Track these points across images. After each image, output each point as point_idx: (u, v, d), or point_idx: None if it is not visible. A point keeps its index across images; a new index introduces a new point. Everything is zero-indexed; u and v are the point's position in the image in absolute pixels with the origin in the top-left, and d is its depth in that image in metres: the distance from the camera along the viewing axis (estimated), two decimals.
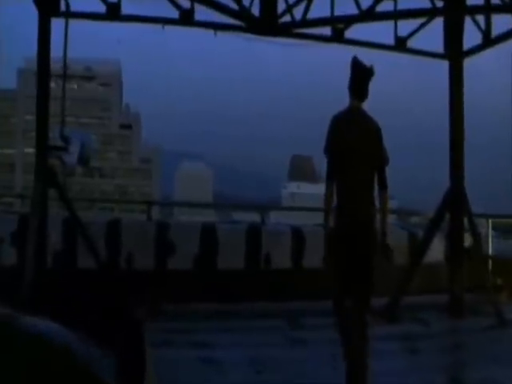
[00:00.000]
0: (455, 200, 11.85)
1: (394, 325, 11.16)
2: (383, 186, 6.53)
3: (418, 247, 12.37)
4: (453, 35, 11.74)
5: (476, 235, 12.24)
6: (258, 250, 12.86)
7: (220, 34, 10.80)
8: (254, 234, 12.95)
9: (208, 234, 12.75)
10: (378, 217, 6.57)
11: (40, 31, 10.96)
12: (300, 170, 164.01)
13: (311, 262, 12.99)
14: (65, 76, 12.14)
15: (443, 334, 11.04)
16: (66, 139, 11.23)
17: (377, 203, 6.53)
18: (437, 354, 9.42)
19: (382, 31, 11.96)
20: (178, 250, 12.57)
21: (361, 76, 6.47)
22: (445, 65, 11.88)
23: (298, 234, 13.30)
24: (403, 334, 10.40)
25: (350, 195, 6.37)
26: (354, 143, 6.38)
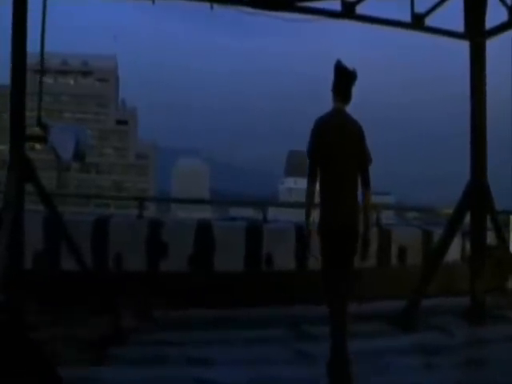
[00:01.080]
0: (477, 194, 10.67)
1: (410, 333, 10.01)
2: (366, 185, 6.65)
3: (437, 246, 11.16)
4: (474, 12, 10.52)
5: (500, 233, 11.04)
6: (259, 250, 11.67)
7: (217, 7, 9.50)
8: (254, 232, 11.75)
9: (204, 232, 11.54)
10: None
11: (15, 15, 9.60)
12: (297, 165, 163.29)
13: (317, 263, 11.80)
14: (42, 62, 10.76)
15: (465, 344, 9.83)
16: (44, 127, 9.93)
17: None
18: (459, 369, 8.40)
19: (397, 7, 10.66)
20: (171, 250, 11.37)
21: (344, 79, 6.61)
22: (465, 46, 10.69)
23: (302, 232, 12.06)
24: (421, 344, 9.30)
25: (333, 195, 6.52)
26: (337, 145, 6.51)
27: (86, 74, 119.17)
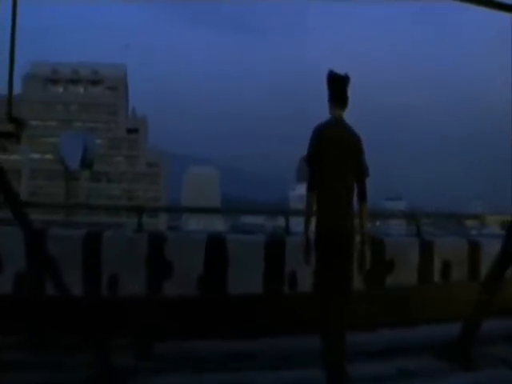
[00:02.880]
0: None
1: (470, 371, 8.07)
2: (363, 197, 6.65)
3: (498, 259, 9.16)
4: None
5: None
6: (281, 269, 9.65)
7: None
8: (275, 246, 9.73)
9: (215, 247, 9.58)
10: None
11: None
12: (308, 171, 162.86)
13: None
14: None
15: None
16: (18, 123, 8.01)
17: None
18: None
19: None
20: (176, 270, 9.43)
21: (339, 85, 6.60)
22: None
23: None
24: None
25: (330, 206, 6.47)
26: (335, 156, 6.46)
27: (95, 82, 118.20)
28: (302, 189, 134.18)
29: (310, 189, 6.63)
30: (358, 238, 6.76)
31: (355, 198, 6.69)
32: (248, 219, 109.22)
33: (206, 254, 9.50)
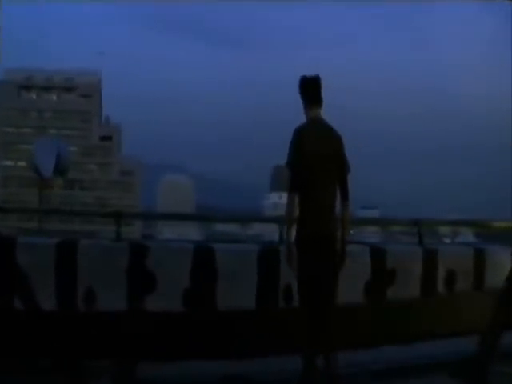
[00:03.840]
0: None
1: None
2: (345, 196, 6.64)
3: None
4: None
5: None
6: (276, 281, 8.63)
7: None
8: (269, 257, 8.70)
9: (203, 259, 8.57)
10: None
11: None
12: (282, 180, 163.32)
13: (349, 296, 8.97)
14: None
15: None
16: None
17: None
18: None
19: None
20: (160, 284, 8.37)
21: (313, 86, 6.68)
22: None
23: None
24: None
25: (313, 208, 6.47)
26: (317, 157, 6.44)
27: (69, 89, 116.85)
28: (275, 197, 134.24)
29: (291, 191, 6.55)
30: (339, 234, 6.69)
31: (338, 197, 6.68)
32: (222, 227, 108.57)
33: (192, 264, 8.49)
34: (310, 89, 6.73)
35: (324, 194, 6.52)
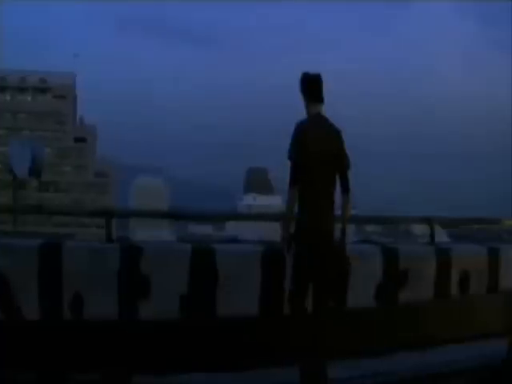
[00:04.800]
0: None
1: None
2: (347, 190, 6.61)
3: None
4: None
5: None
6: (280, 285, 7.73)
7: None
8: (273, 259, 7.82)
9: (202, 261, 7.71)
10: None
11: None
12: (255, 181, 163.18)
13: (359, 299, 8.20)
14: None
15: None
16: None
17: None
18: None
19: None
20: (155, 289, 7.49)
21: (315, 83, 6.66)
22: None
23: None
24: None
25: (312, 204, 6.40)
26: (319, 153, 6.39)
27: (43, 90, 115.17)
28: (249, 199, 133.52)
29: (292, 184, 6.46)
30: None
31: (338, 190, 6.64)
32: (195, 229, 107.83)
33: (190, 268, 7.63)
34: (313, 86, 6.70)
35: (324, 188, 6.47)
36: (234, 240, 9.40)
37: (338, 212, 6.73)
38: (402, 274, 8.61)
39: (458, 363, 8.02)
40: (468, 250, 9.70)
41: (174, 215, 9.09)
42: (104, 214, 8.13)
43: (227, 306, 7.63)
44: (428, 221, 9.53)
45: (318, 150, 6.44)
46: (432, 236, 9.37)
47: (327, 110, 6.82)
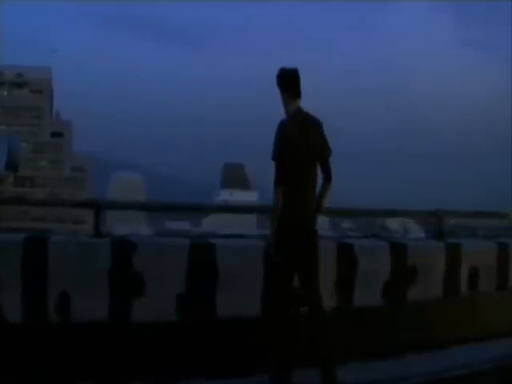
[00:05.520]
0: None
1: None
2: (329, 177, 6.58)
3: None
4: None
5: None
6: None
7: None
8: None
9: (201, 258, 7.04)
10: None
11: None
12: (232, 177, 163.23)
13: (367, 298, 7.57)
14: None
15: None
16: None
17: None
18: None
19: None
20: (149, 289, 6.81)
21: (294, 78, 6.61)
22: None
23: (346, 254, 7.74)
24: None
25: (297, 199, 6.37)
26: (303, 147, 6.37)
27: (20, 85, 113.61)
28: (226, 194, 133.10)
29: (278, 184, 6.35)
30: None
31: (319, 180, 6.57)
32: (172, 225, 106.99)
33: (188, 265, 6.96)
34: (292, 81, 6.63)
35: (308, 184, 6.45)
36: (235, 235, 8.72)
37: None
38: (410, 270, 8.02)
39: (476, 364, 7.46)
40: (477, 246, 9.13)
41: (167, 207, 8.38)
42: (92, 206, 7.41)
43: (227, 305, 6.99)
44: (435, 213, 8.93)
45: (302, 147, 6.39)
46: (440, 231, 8.77)
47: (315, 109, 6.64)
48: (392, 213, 9.75)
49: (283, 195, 6.33)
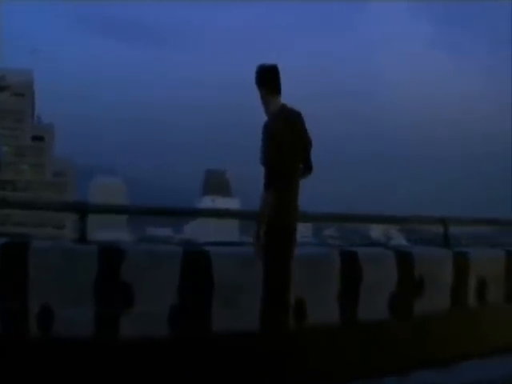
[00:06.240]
0: None
1: None
2: (310, 168, 6.45)
3: None
4: None
5: None
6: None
7: None
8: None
9: (196, 267, 6.46)
10: None
11: None
12: (214, 183, 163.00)
13: (372, 311, 7.04)
14: None
15: None
16: None
17: None
18: None
19: None
20: (139, 301, 6.21)
21: (275, 73, 6.36)
22: None
23: (350, 262, 7.19)
24: None
25: (289, 201, 6.17)
26: (290, 146, 6.18)
27: (1, 88, 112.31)
28: (207, 201, 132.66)
29: (268, 188, 6.02)
30: None
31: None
32: (154, 231, 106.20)
33: (181, 275, 6.38)
34: (272, 77, 6.35)
35: (296, 183, 6.26)
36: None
37: None
38: (417, 280, 7.49)
39: (485, 381, 6.95)
40: (485, 254, 8.62)
41: (156, 212, 7.78)
42: (78, 210, 6.79)
43: (224, 318, 6.42)
44: (442, 221, 8.41)
45: (290, 147, 6.18)
46: (446, 238, 8.25)
47: None
48: (398, 220, 9.19)
49: (275, 198, 5.98)
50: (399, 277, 7.38)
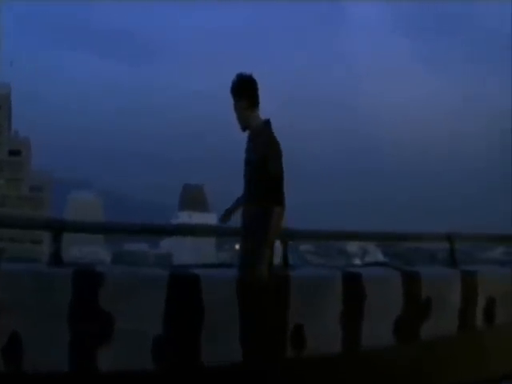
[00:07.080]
0: None
1: None
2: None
3: None
4: None
5: None
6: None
7: None
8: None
9: (183, 292, 5.74)
10: None
11: None
12: (191, 199, 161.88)
13: (377, 337, 6.38)
14: None
15: None
16: None
17: None
18: None
19: None
20: (120, 331, 5.50)
21: (253, 83, 5.76)
22: None
23: (353, 284, 6.51)
24: None
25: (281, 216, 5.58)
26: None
27: None
28: (184, 216, 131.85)
29: (281, 203, 5.48)
30: None
31: None
32: (130, 247, 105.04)
33: (166, 301, 5.65)
34: (251, 88, 5.74)
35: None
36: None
37: None
38: (424, 302, 6.84)
39: None
40: (493, 273, 7.98)
41: (133, 230, 7.06)
42: (51, 228, 6.02)
43: (215, 349, 5.70)
44: (448, 237, 7.77)
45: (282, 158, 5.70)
46: (453, 256, 7.61)
47: None
48: (399, 237, 8.53)
49: (268, 211, 5.38)
50: (405, 299, 6.74)
